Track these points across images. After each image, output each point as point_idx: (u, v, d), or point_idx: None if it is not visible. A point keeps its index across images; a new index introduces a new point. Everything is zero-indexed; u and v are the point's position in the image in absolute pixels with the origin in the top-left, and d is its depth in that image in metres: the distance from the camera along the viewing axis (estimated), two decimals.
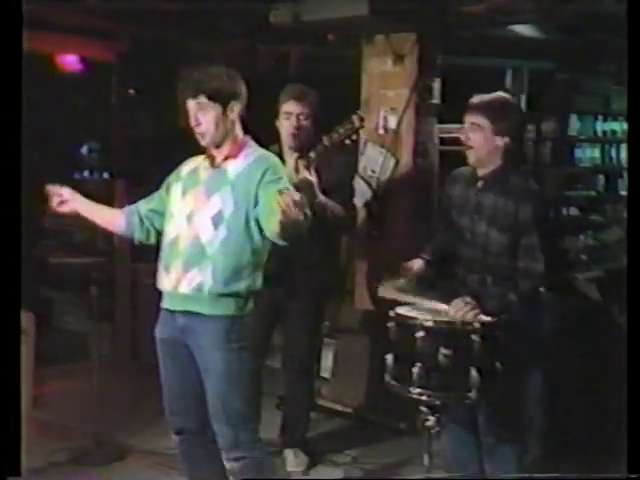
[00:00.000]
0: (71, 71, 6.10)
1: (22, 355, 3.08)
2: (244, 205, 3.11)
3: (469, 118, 3.35)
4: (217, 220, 3.12)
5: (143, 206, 3.48)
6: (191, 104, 3.14)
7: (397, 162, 5.18)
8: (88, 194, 6.83)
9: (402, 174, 5.19)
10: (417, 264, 3.61)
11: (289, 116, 4.12)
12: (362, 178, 5.22)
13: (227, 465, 3.22)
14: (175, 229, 3.23)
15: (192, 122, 3.15)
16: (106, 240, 6.17)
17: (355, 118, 3.90)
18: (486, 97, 3.43)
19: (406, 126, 5.16)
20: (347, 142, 3.93)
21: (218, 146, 3.19)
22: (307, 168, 3.84)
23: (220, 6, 5.16)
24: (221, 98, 3.12)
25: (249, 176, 3.12)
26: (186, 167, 3.35)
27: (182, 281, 3.14)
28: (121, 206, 6.09)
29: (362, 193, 5.19)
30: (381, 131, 5.25)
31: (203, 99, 3.11)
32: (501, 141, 3.30)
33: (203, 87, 3.11)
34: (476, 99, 3.40)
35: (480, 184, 3.37)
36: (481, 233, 3.32)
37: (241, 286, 3.13)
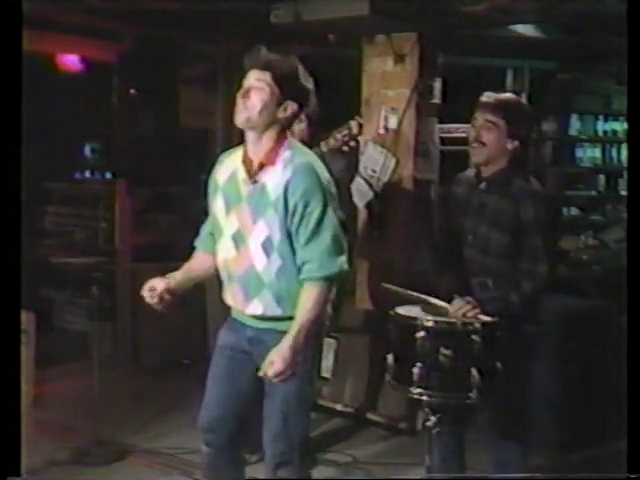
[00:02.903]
0: (72, 71, 6.10)
1: (22, 355, 3.08)
2: (288, 231, 2.89)
3: (484, 115, 3.27)
4: (268, 247, 2.90)
5: (210, 237, 3.15)
6: (252, 77, 2.86)
7: (398, 162, 5.18)
8: (89, 194, 6.86)
9: (402, 174, 5.19)
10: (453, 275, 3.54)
11: None
12: (363, 178, 5.22)
13: None
14: (225, 248, 3.02)
15: (240, 94, 2.88)
16: (107, 240, 6.17)
17: (353, 124, 3.87)
18: (503, 96, 3.39)
19: (407, 126, 5.17)
20: (345, 148, 3.89)
21: (250, 130, 2.92)
22: None
23: (220, 6, 5.15)
24: (284, 86, 2.85)
25: (287, 198, 2.86)
26: (222, 171, 3.06)
27: (246, 307, 2.99)
28: (122, 206, 6.18)
29: (363, 193, 5.19)
30: (382, 131, 5.25)
31: (267, 77, 2.84)
32: (511, 144, 3.26)
33: (274, 65, 2.85)
34: (492, 97, 3.31)
35: (483, 185, 3.34)
36: (482, 234, 3.31)
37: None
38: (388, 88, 5.22)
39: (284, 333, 2.88)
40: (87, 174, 6.80)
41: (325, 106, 4.17)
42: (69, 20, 5.46)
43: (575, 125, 7.09)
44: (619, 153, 7.50)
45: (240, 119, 2.89)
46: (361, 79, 5.34)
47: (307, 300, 2.87)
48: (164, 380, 5.61)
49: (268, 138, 2.91)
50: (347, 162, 4.30)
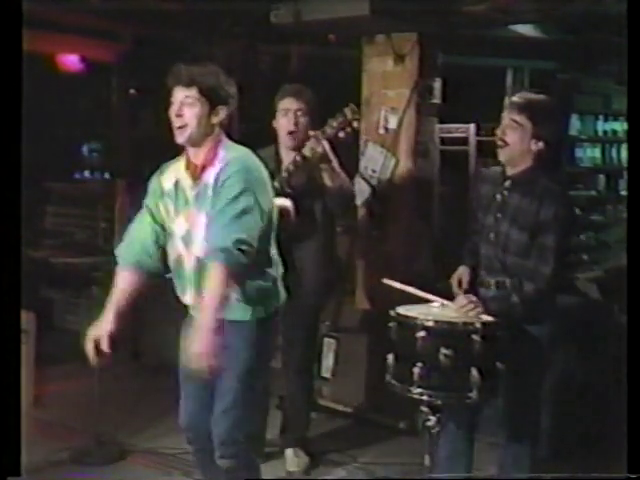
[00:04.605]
0: (71, 71, 6.11)
1: (22, 355, 3.09)
2: None
3: (510, 115, 3.29)
4: None
5: (138, 245, 3.21)
6: (179, 94, 3.01)
7: (397, 162, 5.18)
8: (89, 194, 6.85)
9: (402, 174, 5.19)
10: (465, 273, 3.57)
11: (287, 112, 4.09)
12: (362, 178, 5.22)
13: (218, 462, 3.17)
14: (175, 249, 3.14)
15: (174, 112, 3.02)
16: (107, 240, 6.17)
17: (347, 110, 3.87)
18: (531, 97, 3.40)
19: (407, 126, 5.17)
20: (341, 135, 3.90)
21: (193, 145, 3.06)
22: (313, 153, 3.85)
23: (220, 6, 5.16)
24: (212, 97, 3.00)
25: (215, 189, 2.99)
26: (166, 179, 3.18)
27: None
28: (122, 206, 6.19)
29: (362, 193, 5.19)
30: (381, 131, 5.25)
31: (194, 92, 2.98)
32: (535, 145, 3.27)
33: (198, 81, 2.98)
34: (521, 97, 3.36)
35: (508, 183, 3.35)
36: (503, 232, 3.31)
37: (264, 293, 3.11)
38: (388, 88, 5.22)
39: (242, 322, 3.05)
40: (87, 174, 6.81)
41: (325, 106, 4.17)
42: (69, 20, 5.47)
43: (575, 125, 7.07)
44: (619, 153, 7.47)
45: (182, 137, 3.04)
46: (361, 79, 5.34)
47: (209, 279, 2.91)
48: (164, 380, 5.59)
49: (207, 142, 3.06)
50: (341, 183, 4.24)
